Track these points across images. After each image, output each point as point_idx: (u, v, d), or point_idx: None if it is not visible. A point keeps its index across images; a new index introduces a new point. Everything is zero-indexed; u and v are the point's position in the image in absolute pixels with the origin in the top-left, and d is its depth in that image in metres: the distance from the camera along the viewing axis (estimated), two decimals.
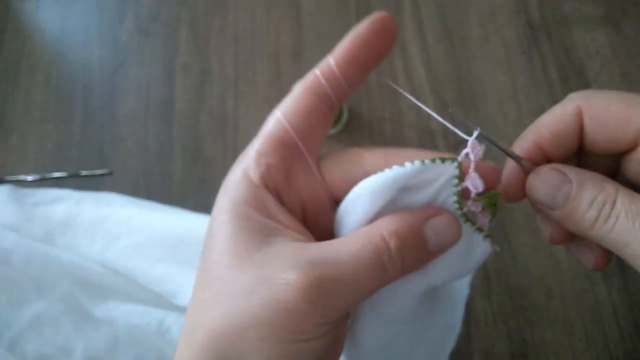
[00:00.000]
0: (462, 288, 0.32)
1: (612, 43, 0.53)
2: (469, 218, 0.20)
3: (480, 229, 0.21)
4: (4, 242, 0.42)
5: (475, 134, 0.19)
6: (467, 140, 0.19)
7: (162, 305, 0.42)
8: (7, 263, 0.42)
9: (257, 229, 0.19)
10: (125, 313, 0.40)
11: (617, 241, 0.18)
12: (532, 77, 0.53)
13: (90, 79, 0.60)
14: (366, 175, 0.19)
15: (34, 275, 0.42)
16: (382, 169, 0.19)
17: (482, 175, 0.19)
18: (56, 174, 0.55)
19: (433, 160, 0.18)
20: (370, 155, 0.20)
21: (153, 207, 0.48)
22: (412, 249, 0.19)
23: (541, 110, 0.51)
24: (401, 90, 0.23)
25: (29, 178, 0.55)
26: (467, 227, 0.20)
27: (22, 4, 0.65)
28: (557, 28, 0.54)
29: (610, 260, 0.21)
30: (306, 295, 0.17)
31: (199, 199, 0.51)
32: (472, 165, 0.19)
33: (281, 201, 0.20)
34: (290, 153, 0.20)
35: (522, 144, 0.21)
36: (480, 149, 0.19)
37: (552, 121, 0.20)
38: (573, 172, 0.19)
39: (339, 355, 0.21)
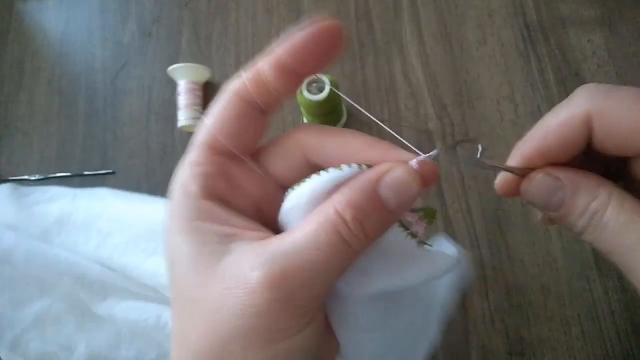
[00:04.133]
0: (437, 293, 0.31)
1: (609, 44, 0.53)
2: (403, 224, 0.20)
3: (413, 235, 0.20)
4: (5, 242, 0.43)
5: (433, 153, 0.18)
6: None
7: (159, 300, 0.42)
8: (9, 262, 0.42)
9: (214, 241, 0.18)
10: (124, 310, 0.41)
11: (603, 248, 0.18)
12: (529, 78, 0.53)
13: (93, 80, 0.61)
14: (308, 161, 0.19)
15: (35, 274, 0.43)
16: (317, 155, 0.19)
17: (424, 174, 0.18)
18: (60, 174, 0.56)
19: (369, 167, 0.18)
20: (307, 140, 0.20)
21: (144, 200, 0.48)
22: (371, 215, 0.17)
23: (538, 111, 0.52)
24: (343, 96, 0.22)
25: (33, 178, 0.56)
26: (400, 232, 0.20)
27: (26, 5, 0.66)
28: (553, 30, 0.55)
29: None
30: (273, 293, 0.16)
31: None
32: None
33: (229, 207, 0.20)
34: (225, 158, 0.20)
35: (525, 153, 0.20)
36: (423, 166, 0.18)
37: (560, 129, 0.19)
38: (568, 177, 0.19)
39: (335, 349, 0.21)
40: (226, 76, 0.58)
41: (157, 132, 0.57)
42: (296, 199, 0.19)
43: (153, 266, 0.41)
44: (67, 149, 0.58)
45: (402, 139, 0.21)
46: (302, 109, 0.50)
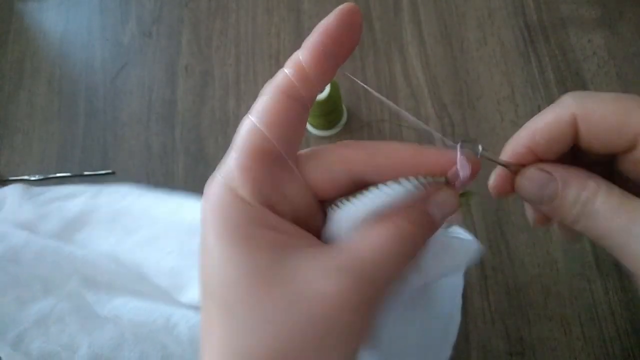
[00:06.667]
0: (455, 281, 0.32)
1: (609, 44, 0.53)
2: None
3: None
4: (15, 240, 0.43)
5: (459, 148, 0.19)
6: (462, 142, 0.19)
7: (171, 302, 0.42)
8: (17, 261, 0.42)
9: (267, 246, 0.18)
10: (133, 309, 0.41)
11: (596, 234, 0.19)
12: (529, 78, 0.53)
13: (93, 80, 0.61)
14: (351, 175, 0.20)
15: (42, 273, 0.43)
16: (366, 168, 0.19)
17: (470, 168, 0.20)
18: (59, 174, 0.56)
19: (426, 178, 0.19)
20: (354, 155, 0.20)
21: (166, 197, 0.48)
22: (425, 230, 0.19)
23: (538, 110, 0.52)
24: (360, 83, 0.22)
25: (33, 178, 0.56)
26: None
27: (26, 5, 0.66)
28: (554, 29, 0.55)
29: None
30: (350, 302, 0.17)
31: (201, 198, 0.52)
32: (458, 184, 0.20)
33: (275, 213, 0.20)
34: (271, 163, 0.19)
35: (515, 149, 0.21)
36: (468, 167, 0.19)
37: (547, 128, 0.20)
38: (558, 171, 0.20)
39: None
40: (226, 76, 0.58)
41: (157, 132, 0.57)
42: (355, 208, 0.19)
43: (170, 264, 0.41)
44: (67, 149, 0.58)
45: (427, 127, 0.22)
46: None
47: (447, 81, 0.54)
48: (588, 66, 0.53)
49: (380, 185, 0.19)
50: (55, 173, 0.56)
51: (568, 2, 0.55)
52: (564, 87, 0.52)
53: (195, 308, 0.41)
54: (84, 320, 0.41)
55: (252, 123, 0.19)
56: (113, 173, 0.56)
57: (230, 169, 0.19)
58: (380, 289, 0.18)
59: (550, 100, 0.52)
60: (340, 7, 0.19)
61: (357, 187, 0.20)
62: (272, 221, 0.19)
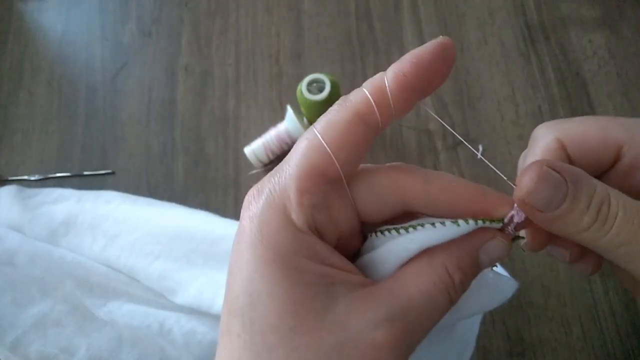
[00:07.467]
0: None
1: (609, 44, 0.53)
2: None
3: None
4: (9, 243, 0.43)
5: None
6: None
7: (163, 305, 0.42)
8: (12, 264, 0.42)
9: (316, 282, 0.17)
10: (127, 314, 0.41)
11: (612, 242, 0.17)
12: (529, 78, 0.53)
13: (93, 79, 0.61)
14: (402, 203, 0.19)
15: (38, 275, 0.43)
16: (420, 200, 0.18)
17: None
18: (59, 174, 0.56)
19: (484, 221, 0.18)
20: (410, 183, 0.18)
21: (149, 202, 0.48)
22: (471, 278, 0.19)
23: (538, 111, 0.52)
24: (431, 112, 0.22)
25: (32, 178, 0.56)
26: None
27: (26, 5, 0.66)
28: (554, 29, 0.55)
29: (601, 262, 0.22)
30: (398, 351, 0.17)
31: (201, 198, 0.52)
32: (510, 230, 0.19)
33: (325, 241, 0.19)
34: (331, 187, 0.18)
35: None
36: (522, 215, 0.18)
37: (542, 152, 0.21)
38: (565, 170, 0.18)
39: None
40: (226, 76, 0.58)
41: (156, 132, 0.57)
42: (404, 242, 0.19)
43: (159, 269, 0.41)
44: (66, 148, 0.58)
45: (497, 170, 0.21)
46: (302, 109, 0.50)
47: (447, 81, 0.54)
48: (588, 66, 0.53)
49: (437, 224, 0.18)
50: (55, 173, 0.56)
51: (568, 2, 0.55)
52: (564, 87, 0.52)
53: (188, 310, 0.41)
54: (81, 323, 0.41)
55: (316, 139, 0.18)
56: (113, 173, 0.55)
57: (285, 188, 0.18)
58: (424, 336, 0.18)
59: (550, 100, 0.52)
60: (438, 39, 0.17)
61: (404, 215, 0.19)
62: (321, 252, 0.18)
